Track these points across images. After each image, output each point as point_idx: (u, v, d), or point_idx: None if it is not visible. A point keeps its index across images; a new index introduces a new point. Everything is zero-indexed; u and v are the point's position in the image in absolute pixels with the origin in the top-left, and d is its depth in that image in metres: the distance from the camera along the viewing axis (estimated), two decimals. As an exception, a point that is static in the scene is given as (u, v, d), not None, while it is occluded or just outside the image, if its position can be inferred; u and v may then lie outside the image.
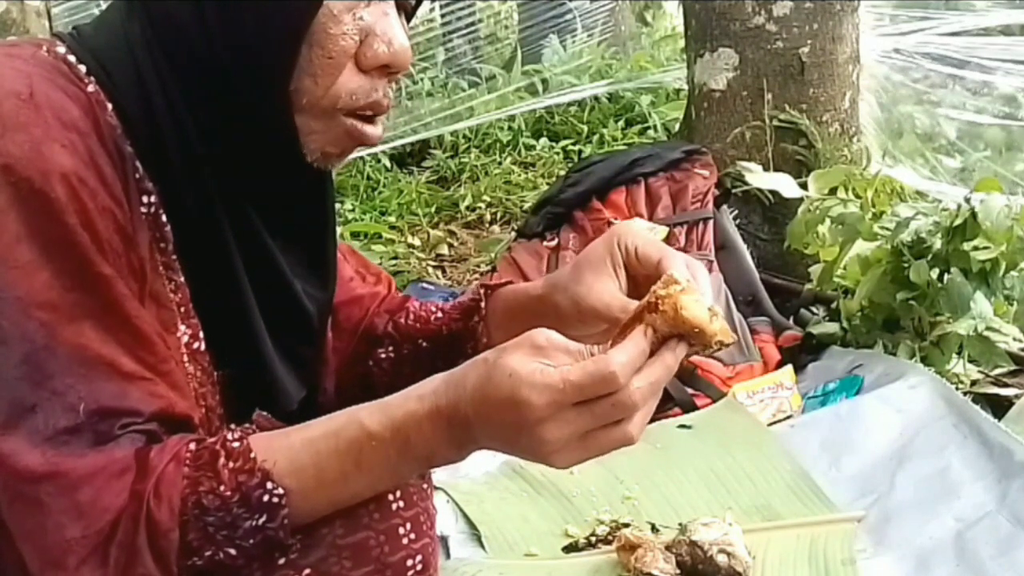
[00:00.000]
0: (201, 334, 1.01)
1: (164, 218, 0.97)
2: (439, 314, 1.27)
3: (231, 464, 0.90)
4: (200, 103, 0.96)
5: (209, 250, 1.00)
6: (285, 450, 0.92)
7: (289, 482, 0.91)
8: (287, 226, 1.07)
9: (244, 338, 1.04)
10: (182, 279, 0.99)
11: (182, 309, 0.99)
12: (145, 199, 0.95)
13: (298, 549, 0.95)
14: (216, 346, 1.03)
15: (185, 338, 1.00)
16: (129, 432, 0.89)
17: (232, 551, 0.90)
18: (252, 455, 0.91)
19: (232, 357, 1.04)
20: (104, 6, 1.09)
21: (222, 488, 0.89)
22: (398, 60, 0.99)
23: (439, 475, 1.92)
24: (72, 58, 0.96)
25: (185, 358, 0.99)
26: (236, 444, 0.92)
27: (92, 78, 0.95)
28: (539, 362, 0.87)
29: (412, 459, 0.93)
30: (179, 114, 0.96)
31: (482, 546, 1.76)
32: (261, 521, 0.90)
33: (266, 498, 0.90)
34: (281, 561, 0.95)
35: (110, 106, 0.94)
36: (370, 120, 1.01)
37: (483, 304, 1.23)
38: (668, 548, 1.58)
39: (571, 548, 1.72)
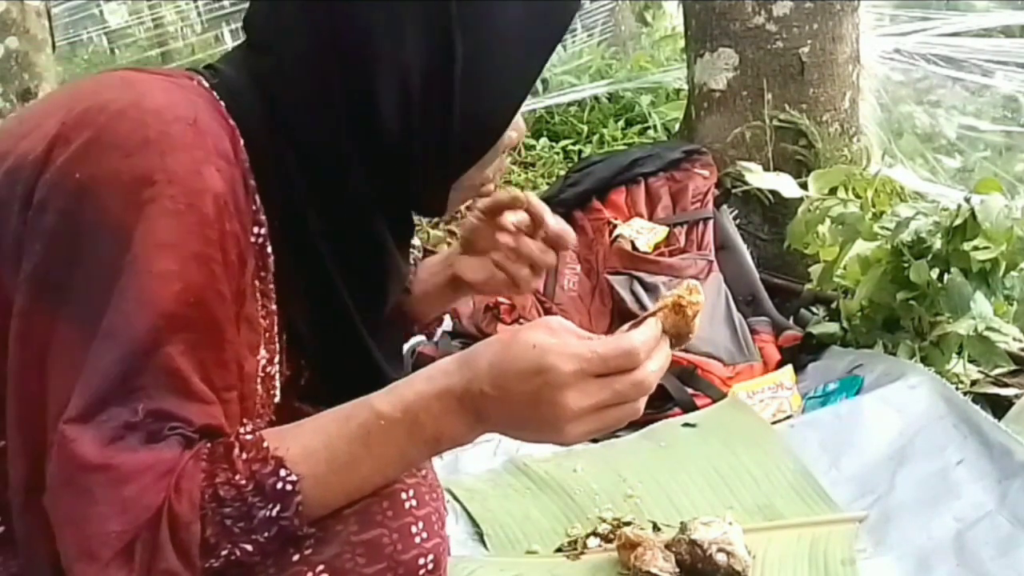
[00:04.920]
0: (276, 359, 1.08)
1: (269, 249, 1.04)
2: None
3: (244, 455, 0.94)
4: (361, 169, 1.05)
5: (324, 285, 1.09)
6: (296, 437, 0.96)
7: (302, 468, 0.94)
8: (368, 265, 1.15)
9: (361, 360, 1.14)
10: (274, 307, 1.06)
11: (267, 334, 1.05)
12: (256, 229, 1.02)
13: (312, 545, 0.97)
14: (329, 372, 1.14)
15: (263, 361, 1.05)
16: (176, 434, 0.93)
17: (248, 547, 0.92)
18: (264, 444, 0.94)
19: (350, 379, 1.10)
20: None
21: (237, 477, 0.92)
22: (520, 141, 1.17)
23: (440, 473, 1.92)
24: (215, 94, 1.04)
25: (258, 381, 1.05)
26: (249, 436, 0.96)
27: (230, 115, 1.02)
28: (558, 338, 0.93)
29: (420, 441, 0.97)
30: (314, 168, 1.05)
31: (483, 545, 1.76)
32: (275, 511, 0.93)
33: (280, 485, 0.93)
34: (295, 557, 0.97)
35: (242, 142, 1.01)
36: None
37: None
38: (668, 547, 1.58)
39: (560, 550, 1.72)
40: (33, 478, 0.94)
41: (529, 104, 4.70)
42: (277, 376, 1.09)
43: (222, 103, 1.03)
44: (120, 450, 0.89)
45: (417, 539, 1.00)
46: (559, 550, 1.72)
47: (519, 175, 4.24)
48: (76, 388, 0.90)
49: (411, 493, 1.02)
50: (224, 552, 0.91)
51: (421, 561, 1.00)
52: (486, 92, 1.03)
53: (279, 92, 1.04)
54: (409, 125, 1.03)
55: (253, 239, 1.02)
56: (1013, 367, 2.19)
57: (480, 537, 1.78)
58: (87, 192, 0.93)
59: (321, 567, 0.97)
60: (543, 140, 4.56)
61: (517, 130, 1.12)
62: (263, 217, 1.03)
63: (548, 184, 3.75)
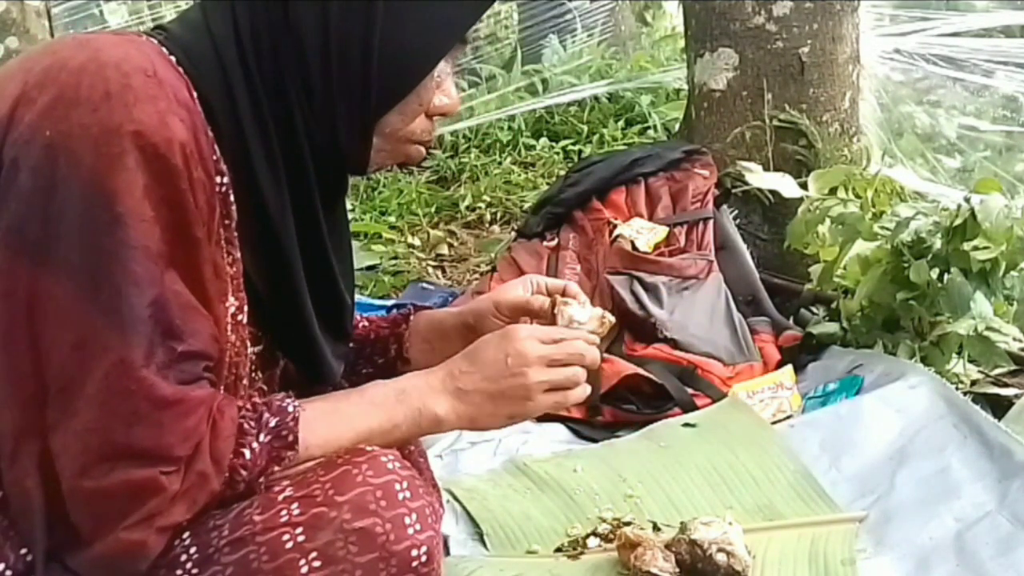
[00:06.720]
0: (246, 308, 1.14)
1: (231, 198, 1.10)
2: (365, 323, 1.46)
3: (262, 396, 1.14)
4: (289, 108, 1.10)
5: (272, 235, 1.13)
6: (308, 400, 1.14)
7: (306, 405, 1.12)
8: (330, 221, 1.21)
9: (295, 316, 1.19)
10: (239, 255, 1.12)
11: (234, 282, 1.12)
12: (219, 179, 1.08)
13: (304, 532, 1.00)
14: (263, 323, 1.18)
15: (232, 309, 1.12)
16: (206, 376, 1.06)
17: (246, 452, 1.05)
18: (279, 394, 1.13)
19: (282, 333, 1.21)
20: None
21: (255, 398, 1.12)
22: (453, 111, 1.23)
23: (440, 473, 1.92)
24: (164, 50, 1.08)
25: (228, 327, 1.11)
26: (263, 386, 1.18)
27: (181, 68, 1.07)
28: None
29: (406, 407, 1.17)
30: (261, 111, 1.09)
31: (483, 545, 1.76)
32: (276, 421, 1.08)
33: (284, 404, 1.10)
34: (289, 545, 1.00)
35: (195, 93, 1.07)
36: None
37: (412, 316, 1.45)
38: (668, 547, 1.58)
39: (560, 550, 1.72)
40: (22, 425, 1.00)
41: (529, 104, 4.70)
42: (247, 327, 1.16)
43: (173, 57, 1.08)
44: (181, 387, 1.02)
45: (410, 530, 1.02)
46: (559, 550, 1.72)
47: (519, 175, 4.24)
48: (118, 338, 0.98)
49: (405, 485, 1.04)
50: (228, 458, 1.04)
51: (414, 553, 1.01)
52: (408, 30, 1.09)
53: (226, 42, 1.09)
54: (328, 55, 1.08)
55: (218, 188, 1.07)
56: (1013, 367, 2.19)
57: (480, 537, 1.78)
58: (59, 148, 0.98)
59: (314, 554, 1.00)
60: (543, 140, 4.56)
61: (450, 98, 1.19)
62: (224, 167, 1.09)
63: (548, 184, 3.75)
